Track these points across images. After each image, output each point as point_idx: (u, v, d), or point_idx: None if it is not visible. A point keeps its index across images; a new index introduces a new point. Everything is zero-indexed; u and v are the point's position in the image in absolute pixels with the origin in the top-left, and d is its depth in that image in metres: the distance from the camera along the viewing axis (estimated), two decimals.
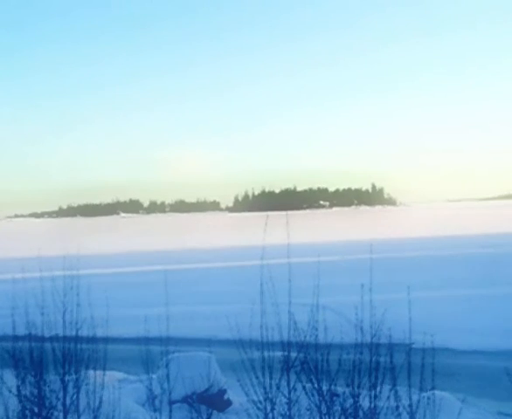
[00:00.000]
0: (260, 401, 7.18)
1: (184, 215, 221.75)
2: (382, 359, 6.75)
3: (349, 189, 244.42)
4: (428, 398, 6.53)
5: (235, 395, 11.90)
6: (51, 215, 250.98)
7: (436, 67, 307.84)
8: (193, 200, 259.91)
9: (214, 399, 11.91)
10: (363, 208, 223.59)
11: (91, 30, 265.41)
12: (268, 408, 7.18)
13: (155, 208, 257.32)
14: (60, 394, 7.56)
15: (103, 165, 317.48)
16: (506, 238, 47.83)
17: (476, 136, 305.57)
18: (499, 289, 22.14)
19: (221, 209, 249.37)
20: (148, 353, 8.22)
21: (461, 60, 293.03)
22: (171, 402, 8.47)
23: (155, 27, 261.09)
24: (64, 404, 7.60)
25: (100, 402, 7.56)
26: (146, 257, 42.16)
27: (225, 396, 12.50)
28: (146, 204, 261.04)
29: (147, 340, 8.26)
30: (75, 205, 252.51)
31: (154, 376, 9.05)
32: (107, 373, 8.53)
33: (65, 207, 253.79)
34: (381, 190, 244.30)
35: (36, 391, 7.48)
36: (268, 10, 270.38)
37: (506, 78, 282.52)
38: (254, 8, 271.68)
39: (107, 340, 8.11)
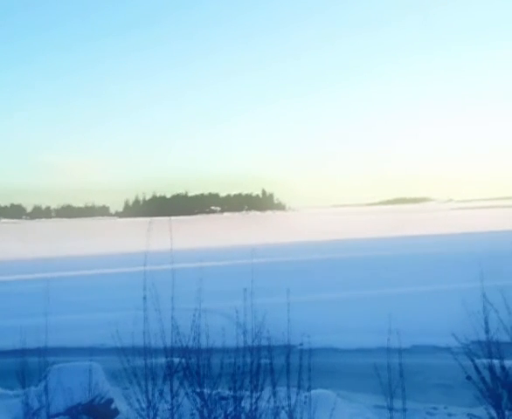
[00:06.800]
0: (143, 409, 7.14)
1: (71, 220, 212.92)
2: (263, 361, 6.95)
3: (240, 195, 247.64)
4: (305, 396, 6.81)
5: (123, 404, 11.66)
6: None
7: (323, 76, 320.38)
8: (81, 205, 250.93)
9: (100, 409, 11.56)
10: (254, 213, 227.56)
11: None
12: (151, 414, 7.14)
13: (40, 213, 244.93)
14: None
15: None
16: (384, 242, 50.70)
17: (361, 144, 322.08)
18: (373, 291, 23.55)
19: (110, 215, 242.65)
20: (25, 365, 7.85)
21: (348, 70, 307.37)
22: (51, 416, 8.16)
23: (54, 31, 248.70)
24: None
25: None
26: (26, 265, 39.98)
27: (112, 406, 12.19)
28: (29, 209, 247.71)
29: (23, 352, 7.89)
30: None
31: (32, 389, 8.64)
32: None
33: None
34: (271, 196, 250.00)
35: None
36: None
37: (394, 84, 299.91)
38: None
39: None
